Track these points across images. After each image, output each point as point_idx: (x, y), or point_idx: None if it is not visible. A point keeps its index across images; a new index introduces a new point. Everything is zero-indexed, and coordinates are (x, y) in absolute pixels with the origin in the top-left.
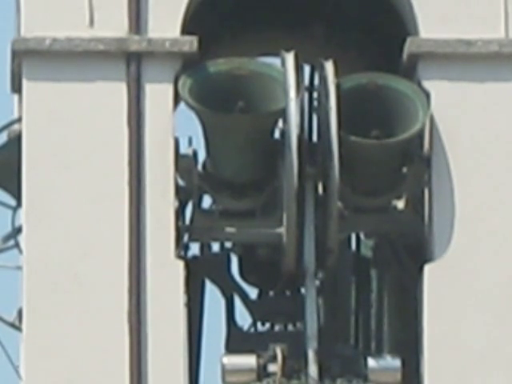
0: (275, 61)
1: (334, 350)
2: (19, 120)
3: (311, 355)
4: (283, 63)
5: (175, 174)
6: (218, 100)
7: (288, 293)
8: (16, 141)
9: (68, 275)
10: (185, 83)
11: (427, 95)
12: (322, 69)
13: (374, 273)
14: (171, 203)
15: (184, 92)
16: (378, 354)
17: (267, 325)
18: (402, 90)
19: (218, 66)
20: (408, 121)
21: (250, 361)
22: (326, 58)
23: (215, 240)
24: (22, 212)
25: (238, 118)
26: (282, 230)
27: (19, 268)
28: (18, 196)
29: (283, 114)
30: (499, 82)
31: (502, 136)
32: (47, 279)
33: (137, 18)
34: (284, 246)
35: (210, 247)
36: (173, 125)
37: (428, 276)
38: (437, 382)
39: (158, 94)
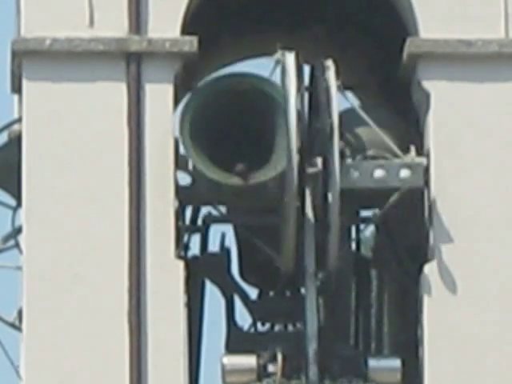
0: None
1: (334, 350)
2: (19, 120)
3: (311, 355)
4: (283, 63)
5: (175, 174)
6: (216, 153)
7: (288, 293)
8: (16, 141)
9: (68, 275)
10: (184, 122)
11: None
12: (323, 68)
13: (373, 273)
14: (171, 203)
15: (184, 137)
16: (378, 353)
17: (267, 325)
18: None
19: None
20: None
21: (250, 361)
22: (326, 58)
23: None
24: (21, 212)
25: (237, 185)
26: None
27: (19, 268)
28: (18, 196)
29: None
30: (499, 82)
31: (502, 136)
32: (47, 279)
33: (137, 17)
34: (284, 246)
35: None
36: (173, 125)
37: (428, 276)
38: (437, 382)
39: (158, 94)
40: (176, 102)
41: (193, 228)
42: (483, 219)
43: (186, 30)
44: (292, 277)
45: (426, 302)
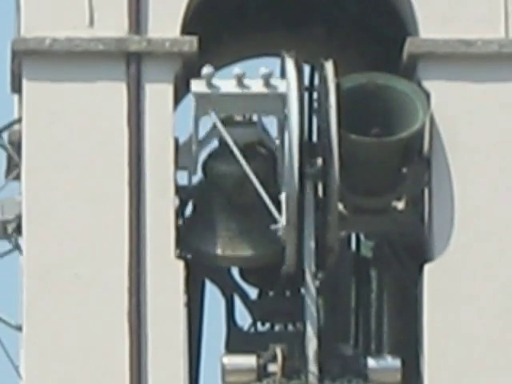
0: (275, 61)
1: (334, 350)
2: (19, 120)
3: (311, 355)
4: (283, 63)
5: (175, 174)
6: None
7: (288, 293)
8: None
9: (68, 275)
10: None
11: (427, 95)
12: (322, 69)
13: (373, 273)
14: (171, 203)
15: None
16: (378, 354)
17: (267, 325)
18: (401, 89)
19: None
20: (408, 120)
21: (250, 361)
22: (326, 58)
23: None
24: (22, 212)
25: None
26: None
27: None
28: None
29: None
30: (499, 81)
31: (502, 136)
32: (47, 279)
33: (137, 18)
34: (284, 246)
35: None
36: (173, 125)
37: (428, 276)
38: (437, 382)
39: (158, 94)
40: (176, 101)
41: None
42: (483, 219)
43: (185, 29)
44: (292, 277)
45: (426, 302)
